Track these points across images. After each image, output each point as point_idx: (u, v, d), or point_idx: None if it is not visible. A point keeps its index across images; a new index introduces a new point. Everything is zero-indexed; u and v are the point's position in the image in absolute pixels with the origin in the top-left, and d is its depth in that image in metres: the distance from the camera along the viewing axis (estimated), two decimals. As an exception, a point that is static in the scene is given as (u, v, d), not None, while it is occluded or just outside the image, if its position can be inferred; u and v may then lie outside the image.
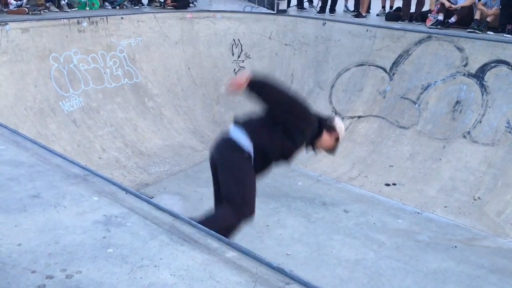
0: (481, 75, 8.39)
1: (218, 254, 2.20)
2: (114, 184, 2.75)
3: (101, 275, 1.94)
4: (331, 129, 3.91)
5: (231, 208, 3.61)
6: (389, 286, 5.53)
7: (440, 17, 9.75)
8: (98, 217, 2.38)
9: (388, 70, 9.46)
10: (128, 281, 1.91)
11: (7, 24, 7.94)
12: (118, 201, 2.57)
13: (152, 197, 7.47)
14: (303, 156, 9.09)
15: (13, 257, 1.99)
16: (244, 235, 6.49)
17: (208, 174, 8.47)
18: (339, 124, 4.00)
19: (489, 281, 5.70)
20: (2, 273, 1.87)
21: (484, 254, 6.29)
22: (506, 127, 7.88)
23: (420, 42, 9.24)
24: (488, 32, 9.13)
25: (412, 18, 10.62)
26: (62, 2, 9.97)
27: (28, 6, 9.21)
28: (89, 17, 9.38)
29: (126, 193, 2.68)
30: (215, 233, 2.28)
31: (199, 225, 2.34)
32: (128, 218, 2.40)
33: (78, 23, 9.14)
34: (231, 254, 2.23)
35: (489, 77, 8.32)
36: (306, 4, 13.01)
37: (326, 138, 3.94)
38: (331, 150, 4.09)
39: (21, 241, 2.10)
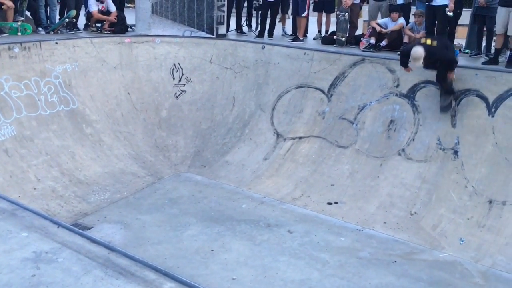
0: (412, 95, 8.84)
1: (155, 286, 2.15)
2: (45, 218, 2.63)
3: (28, 317, 1.83)
4: None
5: None
6: (334, 305, 5.60)
7: (372, 40, 10.23)
8: (27, 254, 2.26)
9: (326, 91, 9.75)
10: (58, 322, 1.82)
11: None
12: (49, 236, 2.46)
13: (91, 227, 7.21)
14: (247, 178, 9.17)
15: None
16: (188, 261, 6.41)
17: (150, 201, 8.32)
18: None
19: (427, 294, 5.91)
20: None
21: (422, 267, 6.53)
22: (437, 144, 8.31)
23: (354, 64, 9.62)
24: (417, 55, 9.65)
25: (346, 41, 11.05)
26: (-9, 28, 9.58)
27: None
28: (21, 43, 9.02)
29: (58, 227, 2.57)
30: (152, 264, 2.22)
31: (135, 256, 2.27)
32: (59, 253, 2.30)
33: (9, 49, 8.77)
34: (168, 285, 2.18)
35: (419, 96, 8.78)
36: (245, 28, 13.24)
37: None
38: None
39: None
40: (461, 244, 6.97)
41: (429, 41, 7.96)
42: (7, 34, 9.89)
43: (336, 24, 11.26)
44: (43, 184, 8.06)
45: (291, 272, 6.26)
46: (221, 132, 10.55)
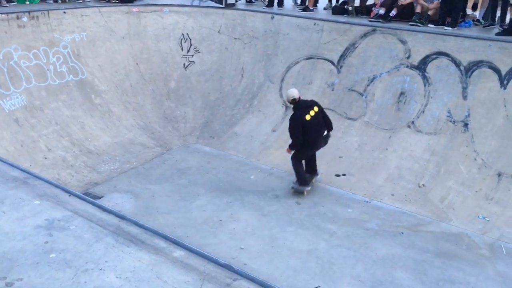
0: (423, 66, 8.71)
1: (165, 254, 2.19)
2: (57, 186, 2.66)
3: (43, 281, 1.88)
4: None
5: None
6: (340, 274, 5.68)
7: (382, 11, 10.01)
8: (39, 222, 2.30)
9: (336, 63, 9.64)
10: (71, 286, 1.87)
11: None
12: (61, 204, 2.50)
13: (102, 197, 7.30)
14: (255, 150, 9.19)
15: None
16: (197, 231, 6.51)
17: (159, 171, 8.40)
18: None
19: (434, 265, 5.97)
20: None
21: (429, 239, 6.57)
22: (447, 116, 8.23)
23: (365, 35, 9.47)
24: (429, 25, 9.47)
25: (357, 11, 10.84)
26: (0, -4, 9.50)
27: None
28: (29, 12, 8.97)
29: (69, 195, 2.61)
30: (162, 232, 2.25)
31: (145, 225, 2.31)
32: (71, 221, 2.34)
33: (18, 18, 8.73)
34: (178, 253, 2.22)
35: (430, 68, 8.65)
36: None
37: None
38: None
39: (-44, 250, 2.01)
40: (480, 219, 6.97)
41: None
42: (15, 2, 9.82)
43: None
44: (53, 153, 8.15)
45: (298, 242, 6.33)
46: (230, 103, 10.53)
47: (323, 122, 7.42)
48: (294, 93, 7.28)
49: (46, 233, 2.18)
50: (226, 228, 6.64)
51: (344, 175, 8.27)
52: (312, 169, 7.91)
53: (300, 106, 7.22)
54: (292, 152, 7.52)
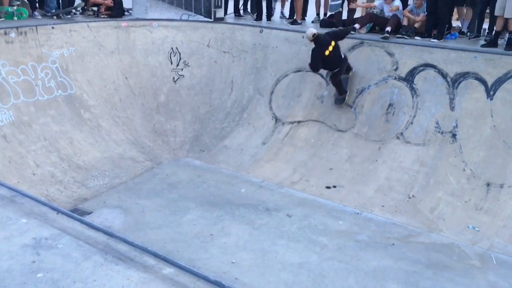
0: (410, 78, 8.81)
1: (155, 271, 2.17)
2: (44, 204, 2.64)
3: (29, 302, 1.85)
4: None
5: None
6: (332, 287, 5.66)
7: (357, 25, 10.16)
8: (26, 241, 2.28)
9: (324, 75, 9.70)
10: (59, 307, 1.84)
11: None
12: (48, 222, 2.47)
13: (91, 212, 7.24)
14: (246, 163, 9.19)
15: None
16: (188, 245, 6.46)
17: (149, 186, 8.34)
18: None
19: (425, 276, 5.97)
20: None
21: (420, 250, 6.59)
22: (435, 127, 8.31)
23: (353, 47, 9.57)
24: (416, 37, 9.60)
25: (344, 24, 10.96)
26: (-13, 12, 9.46)
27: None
28: (17, 28, 8.95)
29: (57, 213, 2.58)
30: (151, 249, 2.23)
31: (134, 242, 2.29)
32: (59, 239, 2.31)
33: (6, 33, 8.70)
34: (168, 270, 2.20)
35: (418, 80, 8.75)
36: (243, 11, 13.11)
37: None
38: None
39: None
40: (470, 229, 7.00)
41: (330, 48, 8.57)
42: (3, 18, 9.78)
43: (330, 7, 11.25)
44: (42, 169, 8.07)
45: (289, 255, 6.31)
46: (220, 116, 10.53)
47: (340, 53, 8.78)
48: (314, 30, 8.52)
49: (33, 252, 2.15)
50: (217, 242, 6.60)
51: (334, 187, 8.29)
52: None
53: (320, 42, 8.48)
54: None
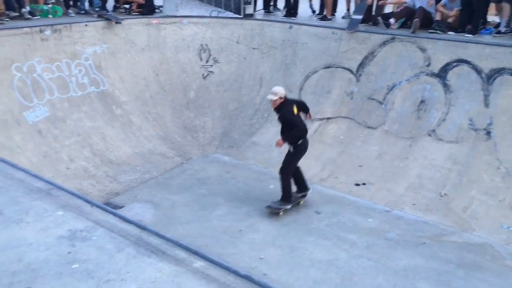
0: (443, 74, 8.62)
1: (186, 264, 2.20)
2: (79, 197, 2.71)
3: (65, 292, 1.91)
4: None
5: None
6: (361, 285, 5.61)
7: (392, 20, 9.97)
8: (62, 232, 2.34)
9: (354, 71, 9.61)
10: (93, 297, 1.89)
11: (-34, 34, 7.72)
12: (83, 215, 2.54)
13: (122, 207, 7.38)
14: (274, 159, 9.18)
15: (-27, 277, 1.93)
16: (217, 240, 6.51)
17: (179, 181, 8.44)
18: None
19: (457, 276, 5.85)
20: (-38, 295, 1.82)
21: (451, 249, 6.45)
22: (469, 124, 8.11)
23: (384, 43, 9.42)
24: (449, 33, 9.37)
25: (376, 19, 10.77)
26: (24, 10, 9.72)
27: (-11, 15, 8.95)
28: (52, 25, 9.19)
29: (91, 206, 2.65)
30: (182, 243, 2.27)
31: (166, 236, 2.33)
32: (93, 231, 2.37)
33: (41, 31, 8.94)
34: (199, 264, 2.22)
35: (451, 76, 8.55)
36: (273, 8, 13.08)
37: None
38: None
39: (-18, 261, 2.05)
40: (504, 229, 6.82)
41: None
42: (39, 16, 10.06)
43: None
44: (75, 164, 8.28)
45: (318, 252, 6.28)
46: (249, 113, 10.56)
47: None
48: (283, 90, 7.11)
49: (69, 244, 2.21)
50: (246, 238, 6.63)
51: (364, 184, 8.20)
52: (303, 184, 7.50)
53: (287, 102, 7.05)
54: (284, 144, 6.95)
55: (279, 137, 7.00)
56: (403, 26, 10.13)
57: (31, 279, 1.95)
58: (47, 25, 9.11)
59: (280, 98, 6.97)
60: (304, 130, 7.06)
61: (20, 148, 7.82)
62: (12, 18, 9.33)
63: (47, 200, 2.62)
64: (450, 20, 9.55)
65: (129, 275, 2.02)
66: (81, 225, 2.39)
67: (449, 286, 5.66)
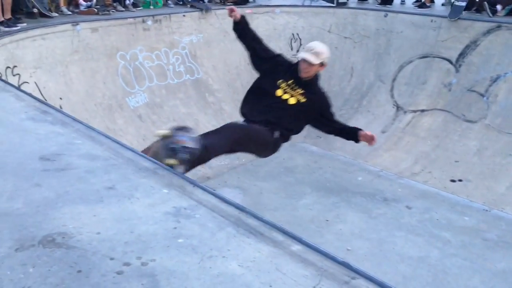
0: (556, 65, 7.90)
1: (283, 247, 2.24)
2: (182, 177, 2.85)
3: (173, 263, 2.03)
4: None
5: None
6: (455, 285, 5.37)
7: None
8: (168, 209, 2.48)
9: (454, 61, 9.10)
10: (198, 270, 1.99)
11: (78, 24, 8.37)
12: (186, 194, 2.67)
13: (214, 191, 7.65)
14: (363, 151, 9.00)
15: (93, 244, 2.12)
16: (304, 229, 6.54)
17: (266, 169, 8.56)
18: None
19: None
20: (84, 259, 2.01)
21: (559, 255, 5.95)
22: None
23: (489, 32, 8.80)
24: None
25: (480, 5, 10.09)
26: (127, 2, 10.35)
27: (98, 7, 9.63)
28: (153, 16, 9.70)
29: (193, 186, 2.78)
30: (280, 226, 2.31)
31: (264, 218, 2.39)
32: (196, 210, 2.49)
33: (143, 21, 9.48)
34: (296, 247, 2.26)
35: None
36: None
37: None
38: None
39: (100, 229, 2.24)
40: None
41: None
42: (141, 7, 10.65)
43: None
44: (171, 148, 8.69)
45: (408, 248, 6.10)
46: (338, 103, 10.39)
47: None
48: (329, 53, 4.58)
49: (174, 220, 2.35)
50: (333, 228, 6.60)
51: (460, 180, 7.78)
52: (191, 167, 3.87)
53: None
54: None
55: (368, 132, 4.73)
56: (510, 13, 9.39)
57: (142, 249, 2.10)
58: (148, 16, 9.62)
59: (322, 65, 4.51)
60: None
61: (122, 131, 8.39)
62: (118, 9, 9.98)
63: (154, 179, 2.80)
64: None
65: (230, 253, 2.10)
66: (185, 203, 2.53)
67: (556, 294, 5.24)
